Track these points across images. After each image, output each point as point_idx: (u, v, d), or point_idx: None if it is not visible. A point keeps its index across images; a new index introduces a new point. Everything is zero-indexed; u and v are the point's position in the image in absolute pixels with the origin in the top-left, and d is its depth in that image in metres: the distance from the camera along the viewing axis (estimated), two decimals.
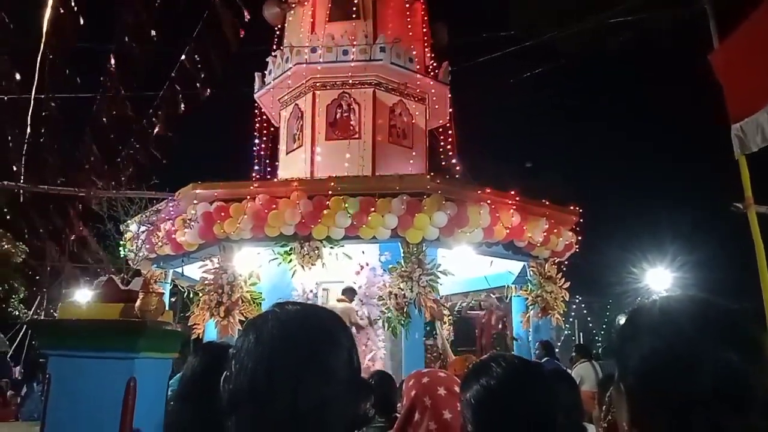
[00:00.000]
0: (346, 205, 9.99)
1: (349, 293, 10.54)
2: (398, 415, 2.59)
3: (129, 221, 5.34)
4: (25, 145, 9.41)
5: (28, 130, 9.41)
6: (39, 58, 8.91)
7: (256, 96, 14.14)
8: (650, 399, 1.02)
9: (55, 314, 5.69)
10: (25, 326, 16.85)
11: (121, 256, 5.23)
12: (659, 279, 23.00)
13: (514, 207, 10.99)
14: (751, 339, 1.02)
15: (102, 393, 4.10)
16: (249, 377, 1.06)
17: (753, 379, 0.97)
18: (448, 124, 14.85)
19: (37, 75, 9.02)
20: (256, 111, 14.45)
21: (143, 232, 5.26)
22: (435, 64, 14.24)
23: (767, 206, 5.96)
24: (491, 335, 11.33)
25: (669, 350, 1.01)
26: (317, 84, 13.13)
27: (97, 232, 5.16)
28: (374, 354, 10.48)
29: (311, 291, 11.51)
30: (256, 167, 13.91)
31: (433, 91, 13.88)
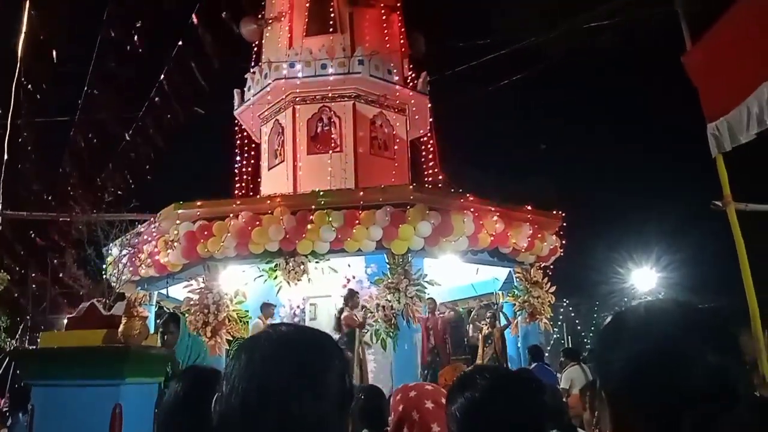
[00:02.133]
0: (330, 218, 9.96)
1: (350, 299, 10.37)
2: (388, 429, 2.57)
3: (110, 245, 5.28)
4: (2, 171, 9.31)
5: (5, 156, 9.31)
6: (14, 83, 8.84)
7: (236, 113, 14.12)
8: (634, 404, 1.02)
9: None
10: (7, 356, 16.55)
11: (103, 280, 5.16)
12: (645, 279, 23.19)
13: (498, 214, 11.02)
14: (729, 337, 1.03)
15: (87, 421, 4.02)
16: (240, 398, 1.05)
17: (736, 377, 0.98)
18: (429, 134, 14.91)
19: (12, 100, 8.94)
20: (237, 128, 14.42)
21: (125, 255, 5.20)
22: (413, 75, 14.31)
23: (746, 203, 6.02)
24: (443, 340, 11.20)
25: (653, 355, 1.01)
26: (297, 99, 13.14)
27: (78, 257, 5.09)
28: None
29: (298, 306, 11.45)
30: (239, 184, 13.86)
31: (412, 101, 13.94)
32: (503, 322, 12.00)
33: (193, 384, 2.08)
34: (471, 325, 12.33)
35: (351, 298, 10.15)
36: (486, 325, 11.78)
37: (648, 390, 1.00)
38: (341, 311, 10.02)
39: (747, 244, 5.79)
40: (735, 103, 5.55)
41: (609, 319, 1.14)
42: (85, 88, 9.37)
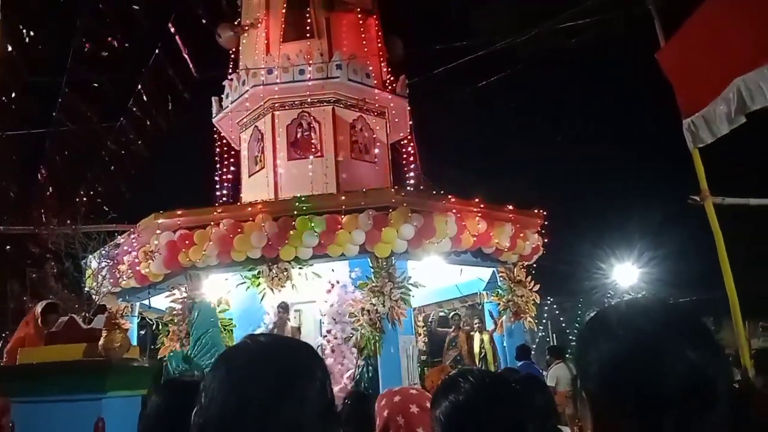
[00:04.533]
0: (313, 224, 9.93)
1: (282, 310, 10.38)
2: None
3: (89, 257, 5.20)
4: None
5: None
6: None
7: (214, 121, 14.03)
8: (614, 404, 1.01)
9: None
10: None
11: (83, 293, 5.08)
12: (627, 274, 23.38)
13: (480, 214, 11.07)
14: (708, 335, 1.03)
15: None
16: (219, 409, 1.04)
17: (715, 374, 0.98)
18: (409, 137, 14.94)
19: None
20: (216, 136, 14.33)
21: (104, 267, 5.13)
22: (392, 78, 14.32)
23: (722, 197, 6.10)
24: None
25: (630, 354, 1.00)
26: (276, 105, 13.09)
27: (56, 271, 5.01)
28: (351, 372, 10.39)
29: None
30: (219, 192, 13.77)
31: (392, 104, 13.95)
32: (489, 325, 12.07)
33: (173, 396, 2.05)
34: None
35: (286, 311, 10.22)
36: (455, 327, 12.00)
37: (626, 389, 0.99)
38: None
39: (726, 237, 5.87)
40: (710, 98, 5.62)
41: (589, 317, 1.14)
42: (60, 99, 9.25)
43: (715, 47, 5.64)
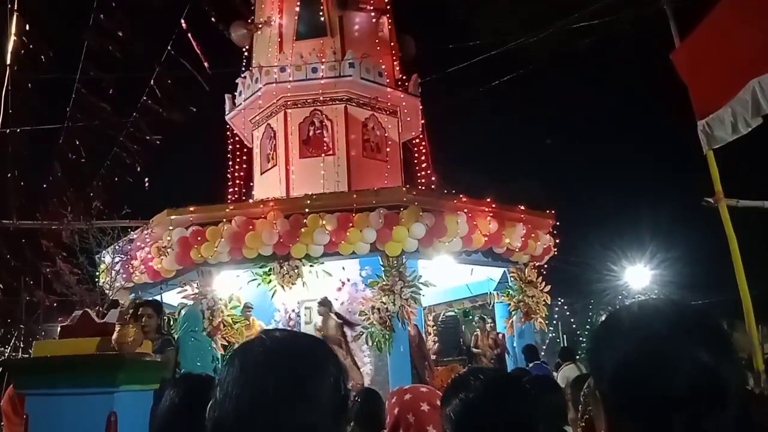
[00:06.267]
0: (324, 222, 9.95)
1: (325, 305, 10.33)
2: None
3: (102, 252, 5.25)
4: None
5: None
6: (3, 91, 8.79)
7: (227, 118, 14.08)
8: (626, 404, 1.02)
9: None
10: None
11: (96, 287, 5.13)
12: (638, 276, 23.24)
13: (491, 214, 11.04)
14: (721, 336, 1.03)
15: (83, 430, 4.01)
16: (234, 404, 1.05)
17: (726, 375, 0.98)
18: (421, 136, 14.93)
19: (1, 108, 8.89)
20: (228, 133, 14.39)
21: (117, 262, 5.18)
22: (404, 77, 14.32)
23: (737, 199, 6.05)
24: None
25: (642, 354, 1.01)
26: (288, 102, 13.12)
27: (70, 265, 5.07)
28: (361, 370, 10.40)
29: (293, 310, 11.43)
30: (231, 189, 13.83)
31: (404, 103, 13.94)
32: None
33: (188, 391, 2.08)
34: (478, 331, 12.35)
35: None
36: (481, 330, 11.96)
37: (638, 390, 1.00)
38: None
39: (739, 239, 5.82)
40: (725, 99, 5.59)
41: (603, 318, 1.14)
42: (73, 96, 9.32)
43: (729, 49, 5.60)
